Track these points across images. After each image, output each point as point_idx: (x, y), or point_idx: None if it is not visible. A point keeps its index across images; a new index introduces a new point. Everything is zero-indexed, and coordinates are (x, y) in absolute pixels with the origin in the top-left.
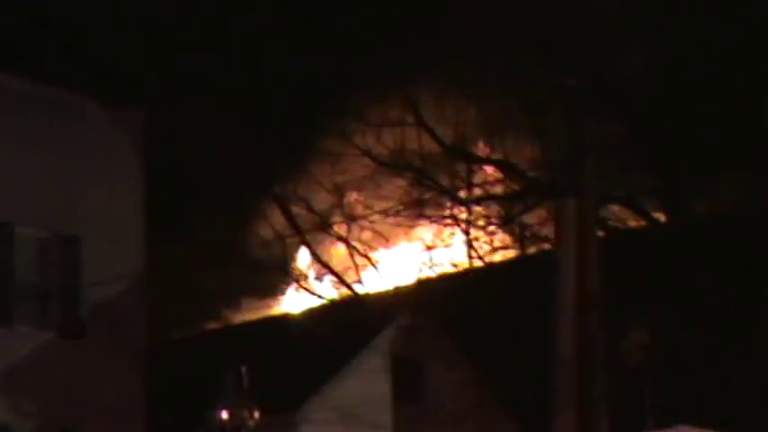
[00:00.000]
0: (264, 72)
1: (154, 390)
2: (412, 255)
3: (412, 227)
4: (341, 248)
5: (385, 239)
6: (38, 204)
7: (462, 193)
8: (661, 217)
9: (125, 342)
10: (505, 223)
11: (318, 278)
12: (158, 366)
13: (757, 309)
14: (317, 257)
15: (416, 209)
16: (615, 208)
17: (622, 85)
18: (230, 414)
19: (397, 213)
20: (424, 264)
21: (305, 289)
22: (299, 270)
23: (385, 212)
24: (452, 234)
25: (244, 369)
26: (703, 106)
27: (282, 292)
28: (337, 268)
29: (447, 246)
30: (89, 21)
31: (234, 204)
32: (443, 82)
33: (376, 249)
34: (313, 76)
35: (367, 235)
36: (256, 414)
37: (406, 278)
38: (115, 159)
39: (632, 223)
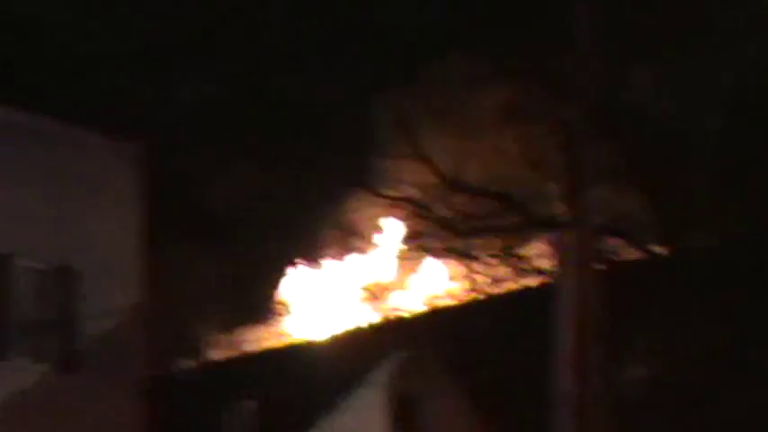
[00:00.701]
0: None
1: (152, 424)
2: (410, 287)
3: (410, 258)
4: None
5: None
6: (37, 236)
7: (461, 226)
8: (659, 249)
9: (124, 375)
10: (505, 256)
11: (316, 310)
12: (156, 400)
13: (757, 340)
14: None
15: (415, 241)
16: (614, 240)
17: (621, 118)
18: None
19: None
20: (421, 297)
21: (303, 321)
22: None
23: (384, 245)
24: (451, 267)
25: (249, 404)
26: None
27: (284, 323)
28: (335, 300)
29: (446, 278)
30: (89, 52)
31: (232, 236)
32: (442, 113)
33: (375, 281)
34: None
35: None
36: None
37: (405, 310)
38: (115, 191)
39: (631, 256)
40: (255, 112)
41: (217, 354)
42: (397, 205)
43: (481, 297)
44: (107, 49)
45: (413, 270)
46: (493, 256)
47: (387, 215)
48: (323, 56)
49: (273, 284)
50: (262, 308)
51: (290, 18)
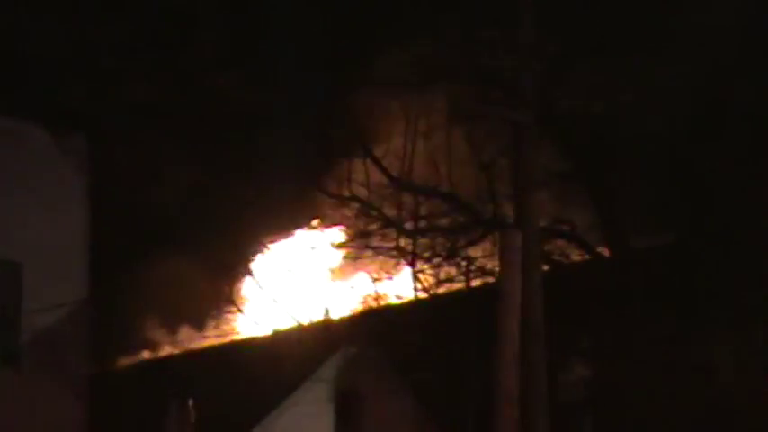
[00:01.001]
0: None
1: (94, 420)
2: (357, 286)
3: (357, 258)
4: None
5: (330, 270)
6: None
7: (408, 225)
8: (604, 251)
9: (65, 371)
10: (451, 256)
11: (263, 307)
12: (98, 396)
13: (694, 341)
14: (261, 287)
15: (362, 240)
16: (559, 242)
17: (566, 121)
18: None
19: (342, 245)
20: (368, 295)
21: (249, 319)
22: (244, 299)
23: (331, 243)
24: (398, 266)
25: (190, 401)
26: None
27: (227, 322)
28: (282, 297)
29: (392, 277)
30: (32, 47)
31: (177, 234)
32: (390, 112)
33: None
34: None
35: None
36: None
37: (351, 309)
38: (59, 187)
39: (576, 257)
40: (197, 112)
41: (160, 351)
42: (345, 204)
43: (426, 296)
44: (47, 49)
45: (359, 268)
46: (439, 256)
47: (335, 214)
48: (268, 56)
49: (219, 282)
50: (207, 306)
51: (233, 17)
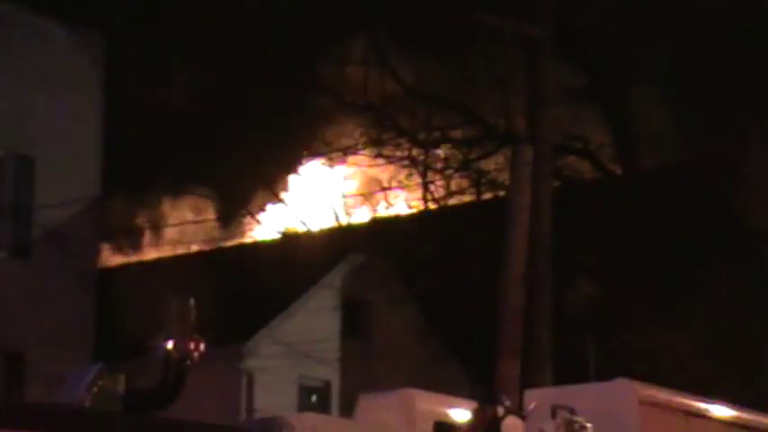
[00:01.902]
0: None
1: (100, 315)
2: (367, 194)
3: (369, 166)
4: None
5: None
6: None
7: (421, 136)
8: (617, 169)
9: (75, 266)
10: (462, 168)
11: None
12: (105, 292)
13: (703, 264)
14: (273, 192)
15: (375, 148)
16: (572, 158)
17: (582, 38)
18: (175, 344)
19: (355, 151)
20: (378, 203)
21: (258, 222)
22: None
23: (343, 150)
24: (410, 176)
25: (191, 299)
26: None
27: (239, 224)
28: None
29: (403, 187)
30: None
31: (196, 132)
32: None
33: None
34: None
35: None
36: (201, 345)
37: (360, 217)
38: (75, 82)
39: (588, 175)
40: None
41: (168, 251)
42: (360, 113)
43: (436, 207)
44: None
45: (371, 178)
46: (450, 167)
47: (350, 122)
48: None
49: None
50: (219, 206)
51: None
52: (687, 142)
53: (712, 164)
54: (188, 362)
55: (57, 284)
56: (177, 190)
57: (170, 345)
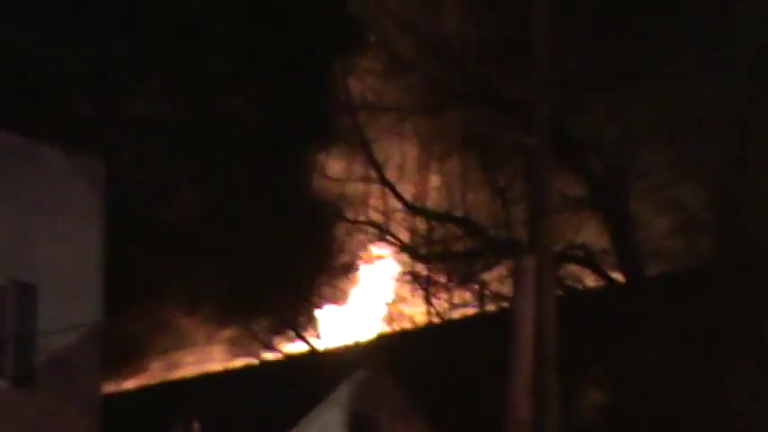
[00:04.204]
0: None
1: None
2: (371, 310)
3: (372, 282)
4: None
5: (345, 294)
6: None
7: (422, 250)
8: (619, 277)
9: (79, 393)
10: (465, 281)
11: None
12: (109, 418)
13: (712, 368)
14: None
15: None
16: (574, 267)
17: (581, 147)
18: None
19: (356, 269)
20: (383, 320)
21: (261, 343)
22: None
23: (348, 267)
24: (412, 290)
25: (196, 424)
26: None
27: (240, 345)
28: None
29: (406, 302)
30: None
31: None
32: (405, 138)
33: (336, 303)
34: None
35: (328, 289)
36: None
37: (366, 334)
38: (72, 207)
39: (590, 282)
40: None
41: (172, 374)
42: (360, 229)
43: (440, 321)
44: (58, 68)
45: (374, 293)
46: (453, 281)
47: (350, 238)
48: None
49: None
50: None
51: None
52: (690, 248)
53: (718, 268)
54: None
55: (61, 411)
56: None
57: None
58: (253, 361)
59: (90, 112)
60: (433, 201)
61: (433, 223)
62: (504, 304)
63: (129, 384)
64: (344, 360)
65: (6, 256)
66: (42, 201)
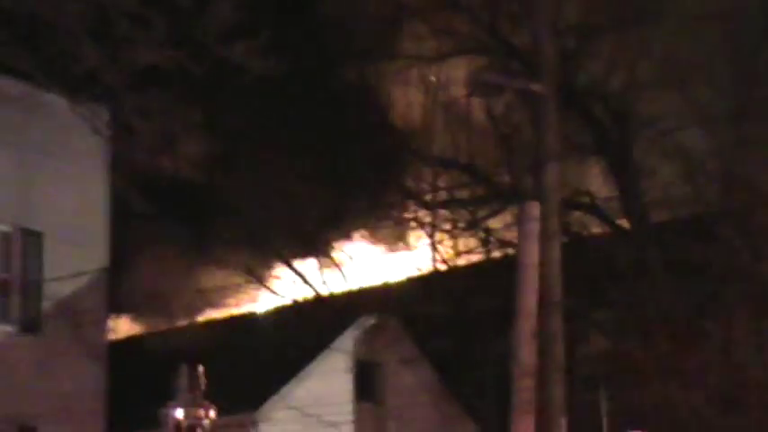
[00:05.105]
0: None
1: (111, 386)
2: (376, 256)
3: (377, 228)
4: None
5: (350, 240)
6: (1, 198)
7: (428, 197)
8: (624, 224)
9: (85, 339)
10: (470, 227)
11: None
12: (116, 363)
13: (715, 317)
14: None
15: (383, 210)
16: (579, 214)
17: (587, 94)
18: (185, 412)
19: (363, 215)
20: (388, 266)
21: (268, 289)
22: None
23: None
24: (417, 237)
25: (200, 367)
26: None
27: (247, 291)
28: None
29: (411, 248)
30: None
31: (200, 204)
32: (412, 85)
33: (340, 249)
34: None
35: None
36: (212, 413)
37: (370, 279)
38: (78, 154)
39: (595, 229)
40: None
41: (179, 321)
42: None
43: (445, 268)
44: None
45: (380, 241)
46: (458, 227)
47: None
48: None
49: (238, 252)
50: (227, 274)
51: None
52: (696, 195)
53: (722, 216)
54: (199, 429)
55: (67, 357)
56: (188, 258)
57: (180, 413)
58: (258, 307)
59: (94, 59)
60: (439, 148)
61: (438, 170)
62: (510, 251)
63: (137, 329)
64: (349, 306)
65: (12, 204)
66: (47, 148)
